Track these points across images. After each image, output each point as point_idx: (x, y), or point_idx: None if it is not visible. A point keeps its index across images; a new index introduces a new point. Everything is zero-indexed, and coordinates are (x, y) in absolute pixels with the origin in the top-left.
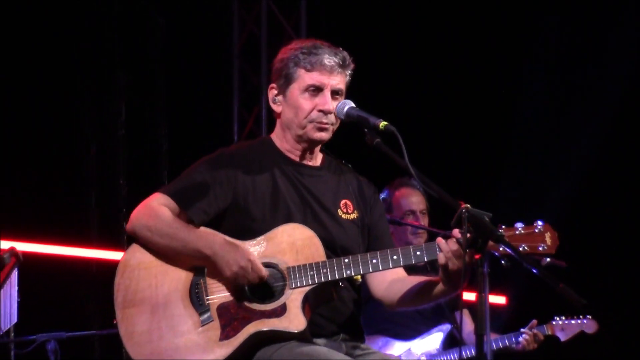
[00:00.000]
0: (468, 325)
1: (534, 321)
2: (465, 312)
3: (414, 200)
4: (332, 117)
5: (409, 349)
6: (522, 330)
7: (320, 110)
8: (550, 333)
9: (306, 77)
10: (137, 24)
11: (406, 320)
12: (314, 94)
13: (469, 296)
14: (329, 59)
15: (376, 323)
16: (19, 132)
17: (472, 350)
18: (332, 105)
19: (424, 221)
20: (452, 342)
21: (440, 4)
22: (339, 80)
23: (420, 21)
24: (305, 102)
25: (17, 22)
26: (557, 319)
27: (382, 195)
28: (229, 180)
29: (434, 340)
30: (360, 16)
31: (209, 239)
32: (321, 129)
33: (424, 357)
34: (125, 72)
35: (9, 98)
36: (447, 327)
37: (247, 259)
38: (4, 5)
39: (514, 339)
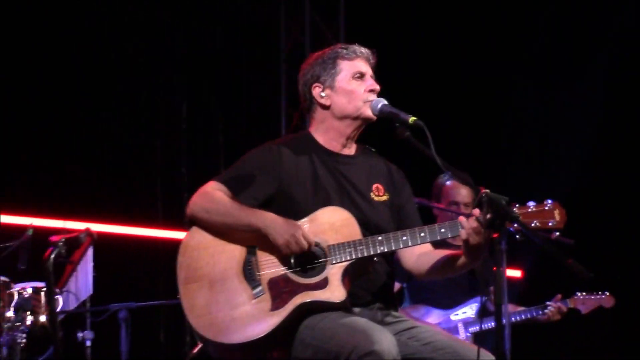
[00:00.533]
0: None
1: (559, 295)
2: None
3: (461, 192)
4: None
5: (448, 317)
6: (547, 303)
7: (370, 90)
8: (572, 306)
9: (350, 67)
10: (198, 32)
11: (445, 291)
12: (359, 79)
13: (511, 273)
14: (363, 51)
15: (419, 293)
16: (97, 128)
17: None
18: (379, 103)
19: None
20: (485, 312)
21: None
22: (371, 69)
23: (439, 27)
24: (356, 87)
25: (94, 27)
26: (579, 293)
27: (447, 184)
28: (275, 169)
29: (470, 309)
30: (392, 24)
31: (261, 214)
32: (369, 107)
33: (460, 324)
34: (187, 75)
35: (91, 98)
36: (481, 298)
37: (296, 228)
38: (84, 11)
39: (540, 312)
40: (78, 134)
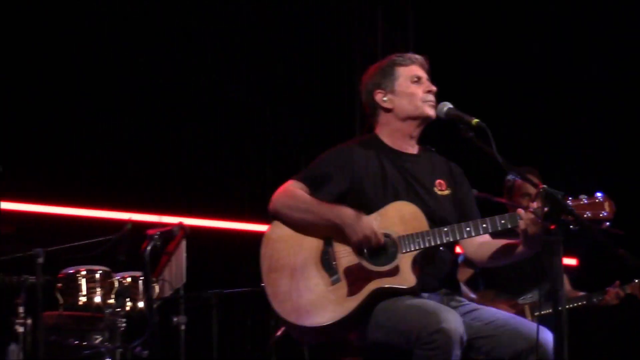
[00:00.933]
0: (566, 284)
1: (617, 282)
2: (564, 275)
3: (531, 190)
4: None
5: (516, 301)
6: (607, 289)
7: (428, 92)
8: (630, 292)
9: (407, 72)
10: (279, 43)
11: (513, 278)
12: (417, 82)
13: (567, 261)
14: (417, 57)
15: (490, 279)
16: (190, 134)
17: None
18: (445, 107)
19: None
20: (549, 297)
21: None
22: (426, 72)
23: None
24: (416, 89)
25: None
26: (637, 280)
27: (509, 177)
28: (348, 167)
29: (535, 294)
30: (456, 36)
31: (339, 210)
32: (431, 106)
33: (527, 307)
34: (270, 83)
35: (189, 105)
36: (546, 285)
37: (370, 229)
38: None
39: (600, 297)
40: (174, 140)
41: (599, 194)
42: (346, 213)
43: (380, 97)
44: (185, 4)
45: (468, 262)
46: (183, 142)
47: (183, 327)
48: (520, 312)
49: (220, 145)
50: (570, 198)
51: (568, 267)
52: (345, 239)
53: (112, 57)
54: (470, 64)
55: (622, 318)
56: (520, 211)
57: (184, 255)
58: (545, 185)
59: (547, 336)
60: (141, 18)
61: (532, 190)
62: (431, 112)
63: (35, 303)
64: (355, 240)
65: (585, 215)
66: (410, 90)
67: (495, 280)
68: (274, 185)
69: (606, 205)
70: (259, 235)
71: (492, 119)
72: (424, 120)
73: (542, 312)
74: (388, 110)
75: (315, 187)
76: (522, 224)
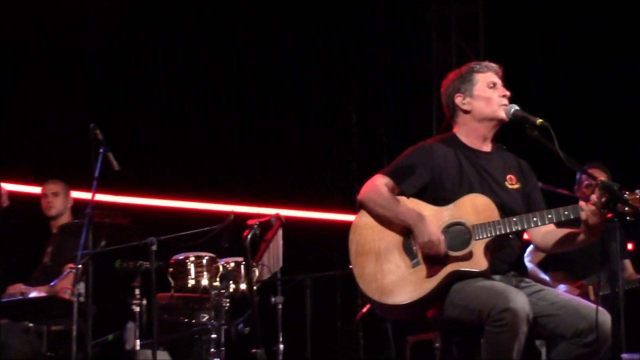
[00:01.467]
0: (629, 268)
1: None
2: (627, 260)
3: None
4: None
5: (582, 282)
6: None
7: (503, 96)
8: None
9: (484, 78)
10: (365, 55)
11: (580, 261)
12: (493, 87)
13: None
14: (493, 65)
15: (558, 263)
16: (287, 133)
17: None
18: (512, 108)
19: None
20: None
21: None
22: (500, 79)
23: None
24: (492, 93)
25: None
26: None
27: (579, 177)
28: (429, 163)
29: (599, 277)
30: (523, 44)
31: (411, 214)
32: (505, 109)
33: (591, 288)
34: (358, 88)
35: (286, 106)
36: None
37: (436, 237)
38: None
39: None
40: (272, 138)
41: None
42: (417, 217)
43: (459, 100)
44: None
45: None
46: (281, 140)
47: (280, 307)
48: (585, 292)
49: (313, 146)
50: (626, 192)
51: (631, 252)
52: (415, 236)
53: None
54: (534, 68)
55: None
56: (582, 203)
57: (281, 242)
58: (602, 178)
59: (605, 317)
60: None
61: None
62: (502, 115)
63: (149, 286)
64: (419, 242)
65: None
66: (487, 94)
67: (563, 263)
68: (360, 180)
69: None
70: (347, 224)
71: (561, 119)
72: (498, 122)
73: (605, 293)
74: (466, 112)
75: (399, 181)
76: (583, 215)
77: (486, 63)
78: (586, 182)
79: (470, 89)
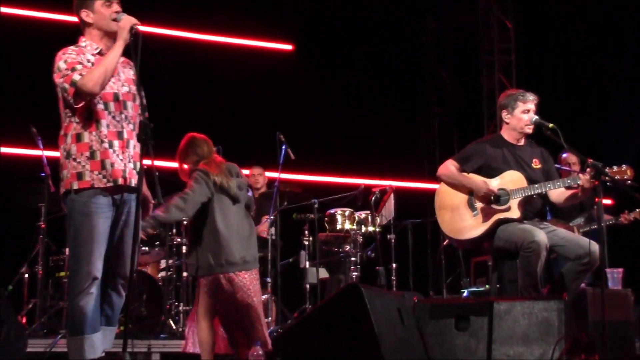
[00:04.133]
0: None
1: (626, 210)
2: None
3: (573, 160)
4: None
5: (568, 224)
6: (621, 214)
7: (527, 124)
8: (635, 217)
9: (523, 105)
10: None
11: (567, 211)
12: (526, 113)
13: (605, 201)
14: (530, 97)
15: (554, 212)
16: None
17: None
18: (533, 117)
19: (577, 168)
20: (589, 221)
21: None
22: (534, 106)
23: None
24: (523, 116)
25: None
26: (638, 210)
27: (562, 156)
28: (482, 152)
29: (580, 220)
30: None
31: (472, 180)
32: (529, 129)
33: (575, 227)
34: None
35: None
36: (586, 214)
37: (489, 188)
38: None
39: (618, 219)
40: (387, 133)
41: (624, 165)
42: (475, 181)
43: (505, 114)
44: None
45: (548, 203)
46: (394, 137)
47: (393, 241)
48: (571, 231)
49: (414, 142)
50: (607, 167)
51: (605, 205)
52: (477, 193)
53: None
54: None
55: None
56: (580, 175)
57: (392, 202)
58: (591, 159)
59: (595, 247)
60: None
61: (573, 161)
62: (527, 131)
63: (313, 229)
64: (480, 195)
65: (616, 177)
66: (520, 116)
67: (558, 212)
68: (441, 160)
69: (628, 171)
70: (433, 190)
71: (566, 123)
72: (524, 134)
73: (584, 230)
74: (507, 123)
75: (463, 163)
76: (581, 182)
77: (529, 94)
78: (568, 161)
79: (512, 109)
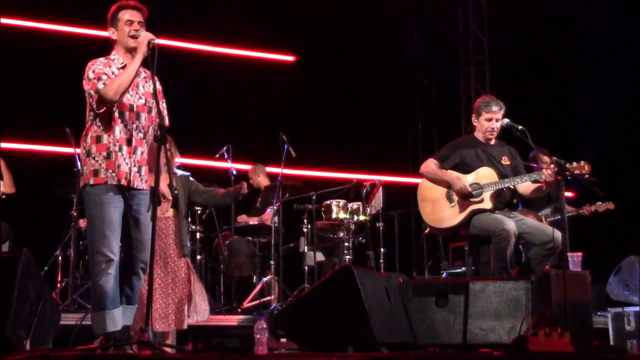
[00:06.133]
0: (567, 208)
1: (587, 203)
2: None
3: (544, 159)
4: (498, 128)
5: (537, 214)
6: (583, 207)
7: (491, 129)
8: (595, 209)
9: (486, 114)
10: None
11: (535, 202)
12: (490, 121)
13: (567, 194)
14: (494, 107)
15: (524, 203)
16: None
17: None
18: (497, 125)
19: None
20: (555, 212)
21: None
22: (501, 114)
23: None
24: (486, 123)
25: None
26: (598, 202)
27: (532, 155)
28: (458, 151)
29: (547, 210)
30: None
31: (450, 176)
32: (491, 134)
33: (543, 217)
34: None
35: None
36: (552, 205)
37: (464, 185)
38: None
39: (580, 211)
40: (378, 131)
41: (582, 161)
42: (454, 177)
43: (473, 119)
44: None
45: (517, 195)
46: (385, 135)
47: (381, 229)
48: (539, 220)
49: (401, 139)
50: (567, 163)
51: (567, 197)
52: (453, 187)
53: None
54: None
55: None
56: (545, 170)
57: (381, 194)
58: (555, 157)
59: (557, 234)
60: None
61: (547, 159)
62: (489, 136)
63: (311, 218)
64: (456, 190)
65: (575, 172)
66: (483, 123)
67: (527, 203)
68: (424, 158)
69: (586, 166)
70: (415, 185)
71: (534, 124)
72: (490, 137)
73: (551, 219)
74: (476, 126)
75: (442, 161)
76: (545, 177)
77: (494, 102)
78: (543, 160)
79: (479, 115)
